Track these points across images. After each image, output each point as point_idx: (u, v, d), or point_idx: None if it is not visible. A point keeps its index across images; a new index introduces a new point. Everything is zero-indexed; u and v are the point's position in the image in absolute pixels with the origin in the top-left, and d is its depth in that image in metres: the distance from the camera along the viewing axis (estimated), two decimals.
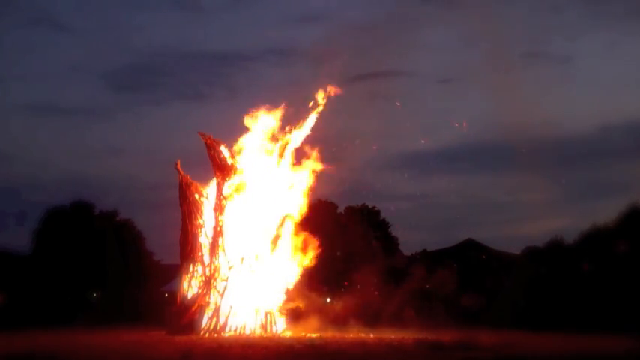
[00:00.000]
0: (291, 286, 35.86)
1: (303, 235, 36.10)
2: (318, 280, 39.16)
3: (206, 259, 34.95)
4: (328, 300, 46.26)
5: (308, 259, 36.28)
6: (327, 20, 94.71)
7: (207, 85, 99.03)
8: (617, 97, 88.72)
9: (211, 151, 35.88)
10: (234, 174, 35.64)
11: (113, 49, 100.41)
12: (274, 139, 36.65)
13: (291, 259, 35.74)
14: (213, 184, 36.15)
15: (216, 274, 34.46)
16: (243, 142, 36.49)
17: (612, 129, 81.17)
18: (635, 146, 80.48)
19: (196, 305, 34.15)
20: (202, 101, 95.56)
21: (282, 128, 36.61)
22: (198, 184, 36.29)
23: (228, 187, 35.54)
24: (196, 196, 35.88)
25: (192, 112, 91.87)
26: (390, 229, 52.24)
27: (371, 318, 38.33)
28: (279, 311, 35.03)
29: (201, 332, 33.44)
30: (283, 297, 35.56)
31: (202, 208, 35.81)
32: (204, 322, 33.85)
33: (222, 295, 34.13)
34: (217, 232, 34.95)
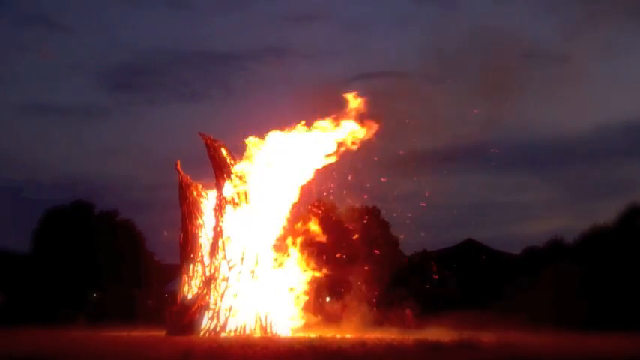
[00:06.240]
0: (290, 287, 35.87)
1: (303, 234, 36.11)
2: (319, 279, 39.13)
3: (206, 259, 34.94)
4: (328, 300, 46.27)
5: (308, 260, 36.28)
6: (325, 20, 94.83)
7: (204, 85, 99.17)
8: (616, 97, 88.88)
9: (211, 151, 35.85)
10: (234, 174, 35.58)
11: (110, 49, 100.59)
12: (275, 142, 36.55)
13: (291, 260, 35.74)
14: (212, 184, 36.12)
15: (217, 275, 34.44)
16: (244, 145, 36.45)
17: (611, 129, 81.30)
18: (634, 146, 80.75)
19: (196, 306, 34.13)
20: (199, 101, 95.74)
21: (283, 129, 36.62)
22: (198, 185, 36.28)
23: (228, 187, 35.50)
24: (195, 195, 35.87)
25: (189, 112, 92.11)
26: (390, 229, 52.13)
27: (371, 318, 38.32)
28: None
29: (201, 332, 33.43)
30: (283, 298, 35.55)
31: (202, 208, 35.81)
32: (204, 322, 33.83)
33: (222, 295, 34.11)
34: (217, 233, 34.93)
